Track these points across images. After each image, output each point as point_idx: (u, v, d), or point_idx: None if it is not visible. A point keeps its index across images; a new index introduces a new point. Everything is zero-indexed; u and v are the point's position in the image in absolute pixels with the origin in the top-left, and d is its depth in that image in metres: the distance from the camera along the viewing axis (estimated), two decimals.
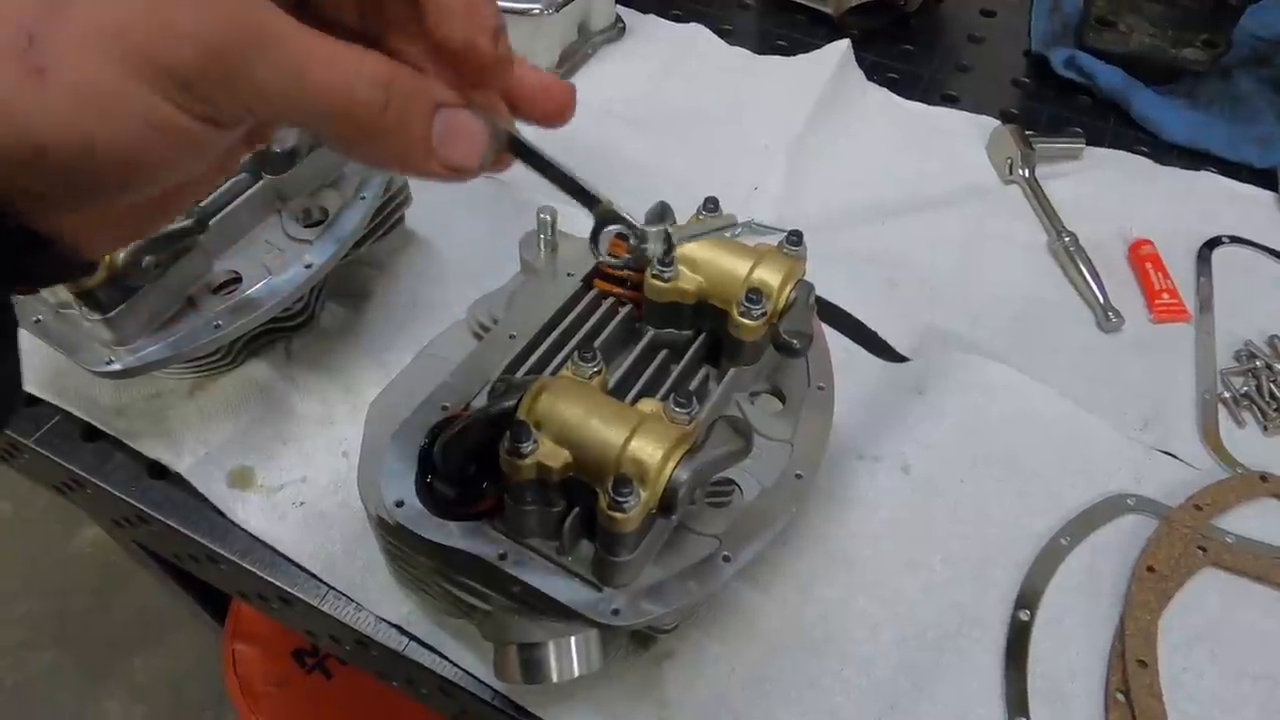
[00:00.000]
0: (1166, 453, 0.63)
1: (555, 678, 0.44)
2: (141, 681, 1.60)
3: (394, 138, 0.26)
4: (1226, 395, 0.66)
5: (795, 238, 0.50)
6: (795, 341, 0.46)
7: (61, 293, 0.51)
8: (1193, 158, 0.87)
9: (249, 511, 0.57)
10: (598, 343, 0.48)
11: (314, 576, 0.55)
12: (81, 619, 1.67)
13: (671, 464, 0.39)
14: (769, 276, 0.48)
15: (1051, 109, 0.92)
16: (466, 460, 0.44)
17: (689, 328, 0.51)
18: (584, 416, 0.40)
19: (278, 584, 0.55)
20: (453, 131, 0.27)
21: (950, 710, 0.52)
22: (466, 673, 0.51)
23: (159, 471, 0.59)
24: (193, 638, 1.60)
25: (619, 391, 0.47)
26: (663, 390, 0.48)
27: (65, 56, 0.21)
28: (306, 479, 0.59)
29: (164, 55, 0.22)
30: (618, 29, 0.97)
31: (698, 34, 0.98)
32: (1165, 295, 0.72)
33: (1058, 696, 0.52)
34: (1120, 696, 0.52)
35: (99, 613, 1.68)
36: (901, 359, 0.69)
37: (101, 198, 0.24)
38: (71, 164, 0.22)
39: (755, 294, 0.46)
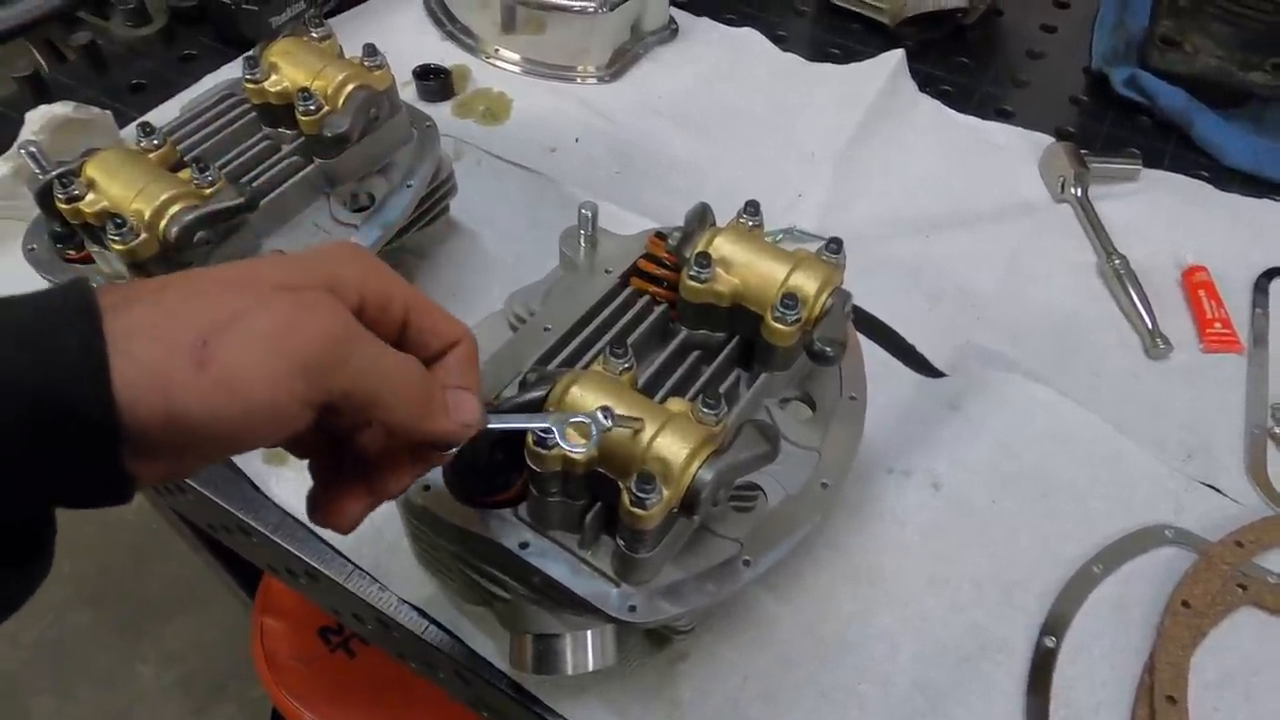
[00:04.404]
0: (1210, 486, 0.62)
1: (569, 670, 0.45)
2: (173, 648, 1.64)
3: (427, 405, 0.35)
4: (1277, 430, 0.64)
5: (835, 245, 0.50)
6: (829, 349, 0.45)
7: (115, 264, 0.53)
8: (1255, 185, 0.84)
9: (282, 486, 0.58)
10: (631, 340, 0.48)
11: (341, 555, 0.56)
12: (120, 583, 1.72)
13: (696, 464, 0.39)
14: (805, 282, 0.47)
15: (1109, 129, 0.90)
16: (494, 449, 0.44)
17: (723, 330, 0.51)
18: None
19: (306, 559, 0.56)
20: (459, 402, 0.36)
21: None
22: (483, 659, 0.52)
23: None
24: (223, 609, 1.64)
25: (649, 389, 0.47)
26: (692, 391, 0.48)
27: (224, 353, 0.28)
28: None
29: (297, 348, 0.29)
30: (670, 30, 0.98)
31: (750, 38, 0.97)
32: (1218, 324, 0.70)
33: None
34: None
35: (137, 578, 1.73)
36: (938, 374, 0.68)
37: (200, 457, 0.31)
38: (199, 433, 0.28)
39: (791, 299, 0.46)
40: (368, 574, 0.55)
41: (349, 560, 0.55)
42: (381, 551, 0.55)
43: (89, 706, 1.57)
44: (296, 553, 0.56)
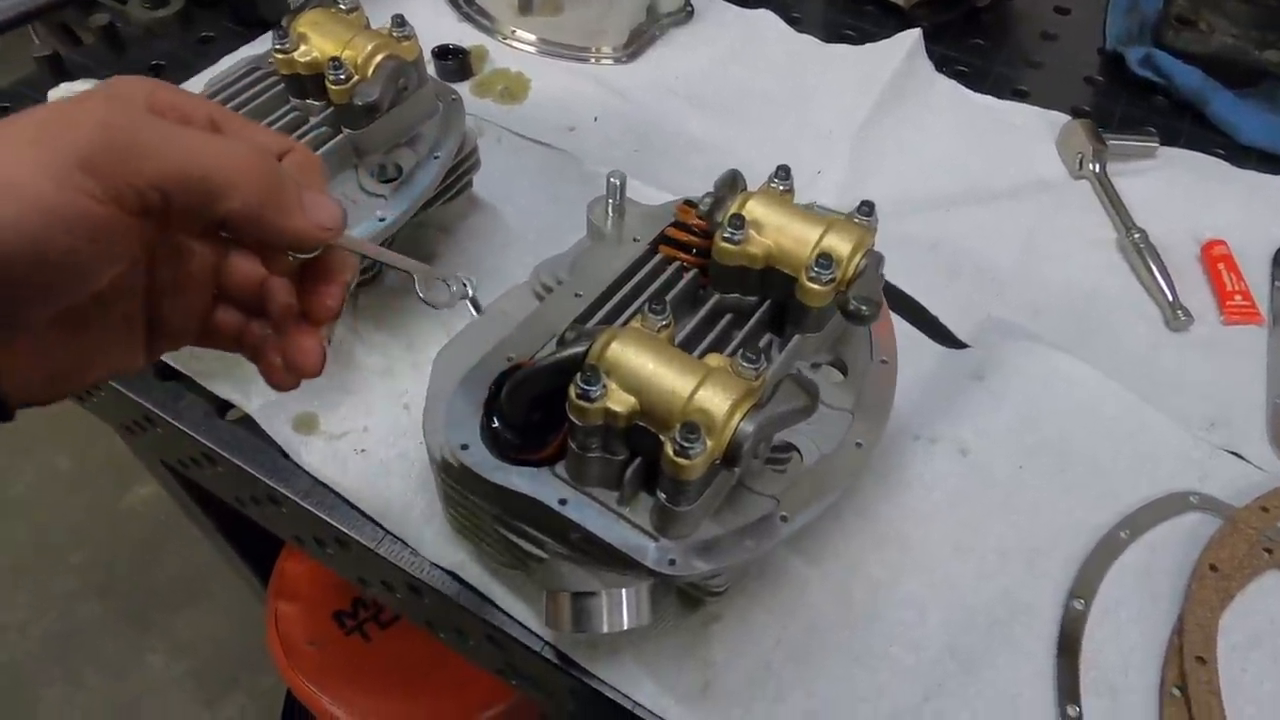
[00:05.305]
0: (1233, 453, 0.62)
1: (605, 628, 0.45)
2: (183, 639, 1.64)
3: (275, 194, 0.31)
4: None
5: (866, 208, 0.50)
6: (865, 308, 0.45)
7: None
8: (1271, 162, 0.84)
9: (312, 454, 0.58)
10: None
11: (372, 520, 0.56)
12: (129, 574, 1.72)
13: (738, 415, 0.39)
14: (839, 244, 0.47)
15: (1124, 108, 0.91)
16: (533, 406, 0.44)
17: (754, 294, 0.51)
18: (653, 365, 0.41)
19: (336, 525, 0.56)
20: (315, 203, 0.33)
21: (999, 694, 0.51)
22: (517, 622, 0.52)
23: (223, 415, 0.61)
24: (233, 600, 1.64)
25: (684, 349, 0.47)
26: (728, 350, 0.48)
27: None
28: (368, 428, 0.60)
29: (70, 141, 0.26)
30: (685, 12, 0.98)
31: (765, 20, 0.98)
32: (1238, 297, 0.71)
33: (1110, 689, 0.52)
34: (1176, 692, 0.51)
35: (146, 569, 1.73)
36: (961, 345, 0.68)
37: (26, 304, 0.27)
38: (9, 260, 0.25)
39: (825, 259, 0.46)
40: (399, 540, 0.55)
41: (380, 526, 0.56)
42: (412, 518, 0.56)
43: (99, 697, 1.58)
44: (327, 519, 0.56)
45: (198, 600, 1.68)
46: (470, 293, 0.39)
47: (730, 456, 0.39)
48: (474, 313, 0.42)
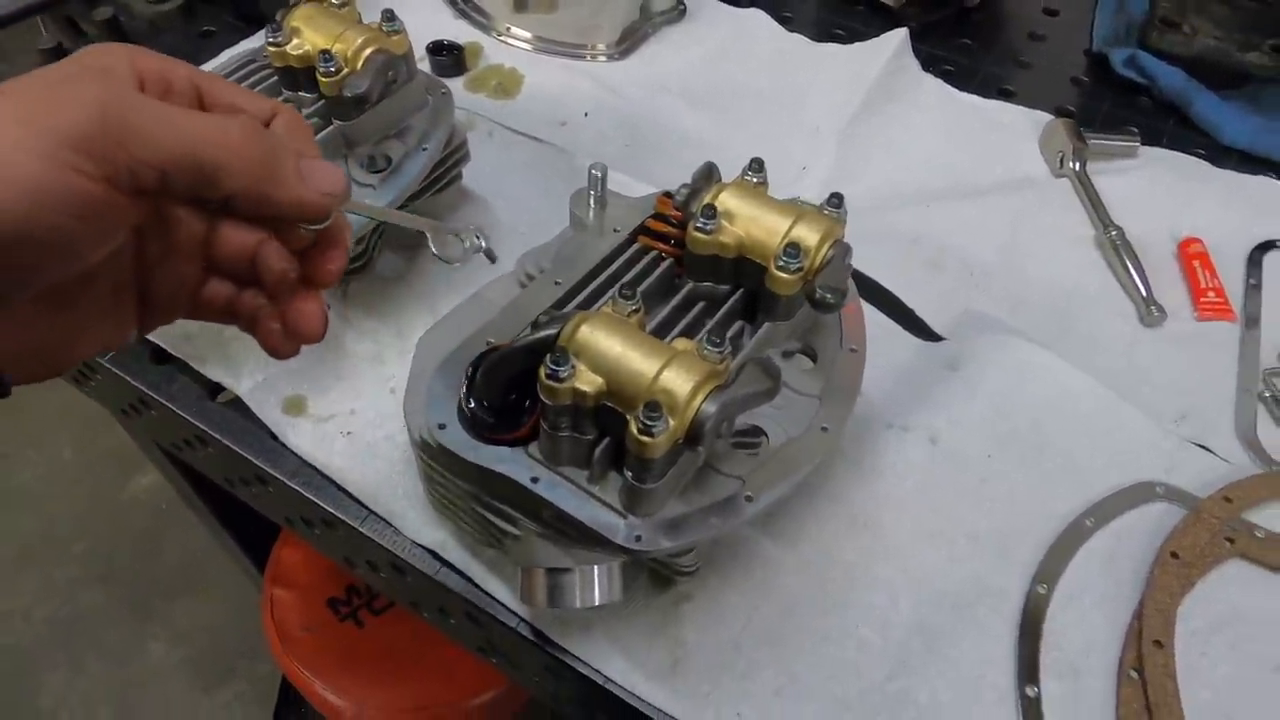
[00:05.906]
0: (1201, 446, 0.63)
1: (578, 603, 0.46)
2: (182, 626, 1.66)
3: (271, 166, 0.32)
4: (1267, 395, 0.66)
5: (836, 200, 0.51)
6: (830, 296, 0.47)
7: None
8: (1251, 163, 0.85)
9: (300, 436, 0.60)
10: (639, 290, 0.50)
11: (357, 501, 0.58)
12: (130, 562, 1.75)
13: (700, 396, 0.41)
14: (807, 234, 0.49)
15: (1109, 109, 0.92)
16: (507, 387, 0.46)
17: (727, 282, 0.52)
18: (620, 348, 0.42)
19: (323, 505, 0.58)
20: (312, 169, 0.33)
21: (961, 675, 0.52)
22: (495, 600, 0.54)
23: (214, 398, 0.63)
24: (231, 589, 1.66)
25: (656, 335, 0.49)
26: (698, 336, 0.49)
27: None
28: (355, 411, 0.62)
29: (61, 120, 0.27)
30: (678, 10, 0.99)
31: (756, 19, 0.99)
32: (1211, 293, 0.72)
33: (1070, 669, 0.53)
34: (1134, 674, 0.52)
35: (147, 558, 1.75)
36: (937, 338, 0.69)
37: (11, 281, 0.28)
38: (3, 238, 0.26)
39: (793, 249, 0.48)
40: (382, 519, 0.57)
41: (364, 506, 0.57)
42: (395, 499, 0.57)
43: (100, 683, 1.60)
44: (314, 499, 0.58)
45: (197, 589, 1.70)
46: (483, 245, 0.40)
47: (693, 436, 0.41)
48: (489, 263, 0.43)
